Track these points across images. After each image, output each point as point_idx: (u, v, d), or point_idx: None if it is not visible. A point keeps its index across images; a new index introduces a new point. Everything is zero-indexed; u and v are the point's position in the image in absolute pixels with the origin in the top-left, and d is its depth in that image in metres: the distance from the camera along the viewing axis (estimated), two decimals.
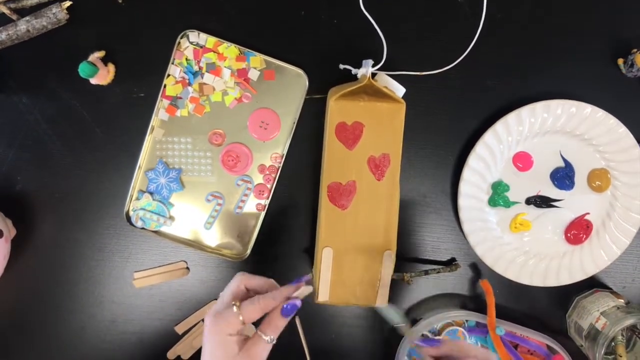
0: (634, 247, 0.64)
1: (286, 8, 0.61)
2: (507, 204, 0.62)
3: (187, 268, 0.63)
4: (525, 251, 0.63)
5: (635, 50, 0.60)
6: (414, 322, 0.64)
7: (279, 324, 0.49)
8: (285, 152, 0.61)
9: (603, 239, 0.62)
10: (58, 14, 0.58)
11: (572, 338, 0.64)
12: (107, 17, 0.60)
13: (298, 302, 0.49)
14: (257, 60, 0.60)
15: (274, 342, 0.48)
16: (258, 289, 0.50)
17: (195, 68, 0.60)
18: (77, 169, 0.62)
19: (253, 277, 0.51)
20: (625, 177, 0.61)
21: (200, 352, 0.63)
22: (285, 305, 0.49)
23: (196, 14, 0.61)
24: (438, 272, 0.62)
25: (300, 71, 0.60)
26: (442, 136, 0.63)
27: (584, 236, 0.63)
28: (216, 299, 0.63)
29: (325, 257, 0.58)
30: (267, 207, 0.62)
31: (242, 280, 0.50)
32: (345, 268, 0.58)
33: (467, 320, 0.64)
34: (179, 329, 0.63)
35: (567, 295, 0.65)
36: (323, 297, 0.58)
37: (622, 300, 0.61)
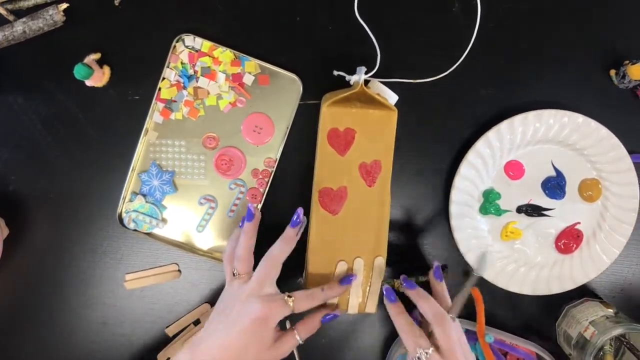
0: (624, 258, 0.64)
1: (282, 14, 0.62)
2: (498, 212, 0.62)
3: (179, 271, 0.63)
4: (516, 259, 0.63)
5: (627, 61, 0.61)
6: None
7: (315, 327, 0.51)
8: (278, 157, 0.62)
9: (593, 248, 0.63)
10: (54, 15, 0.58)
11: (561, 347, 0.64)
12: (104, 19, 0.61)
13: (338, 312, 0.51)
14: (252, 65, 0.60)
15: (301, 343, 0.51)
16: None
17: (190, 72, 0.60)
18: (71, 170, 0.62)
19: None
20: (616, 188, 0.62)
21: None
22: (327, 315, 0.52)
23: (192, 18, 0.61)
24: (428, 279, 0.63)
25: (295, 77, 0.61)
26: (434, 144, 0.63)
27: (575, 246, 0.63)
28: (207, 302, 0.64)
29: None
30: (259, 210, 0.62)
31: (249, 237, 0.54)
32: (336, 273, 0.58)
33: None
34: (170, 331, 0.63)
35: (556, 304, 0.65)
36: None
37: (612, 310, 0.61)
